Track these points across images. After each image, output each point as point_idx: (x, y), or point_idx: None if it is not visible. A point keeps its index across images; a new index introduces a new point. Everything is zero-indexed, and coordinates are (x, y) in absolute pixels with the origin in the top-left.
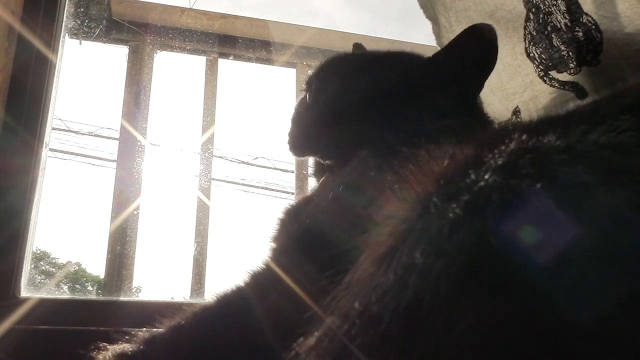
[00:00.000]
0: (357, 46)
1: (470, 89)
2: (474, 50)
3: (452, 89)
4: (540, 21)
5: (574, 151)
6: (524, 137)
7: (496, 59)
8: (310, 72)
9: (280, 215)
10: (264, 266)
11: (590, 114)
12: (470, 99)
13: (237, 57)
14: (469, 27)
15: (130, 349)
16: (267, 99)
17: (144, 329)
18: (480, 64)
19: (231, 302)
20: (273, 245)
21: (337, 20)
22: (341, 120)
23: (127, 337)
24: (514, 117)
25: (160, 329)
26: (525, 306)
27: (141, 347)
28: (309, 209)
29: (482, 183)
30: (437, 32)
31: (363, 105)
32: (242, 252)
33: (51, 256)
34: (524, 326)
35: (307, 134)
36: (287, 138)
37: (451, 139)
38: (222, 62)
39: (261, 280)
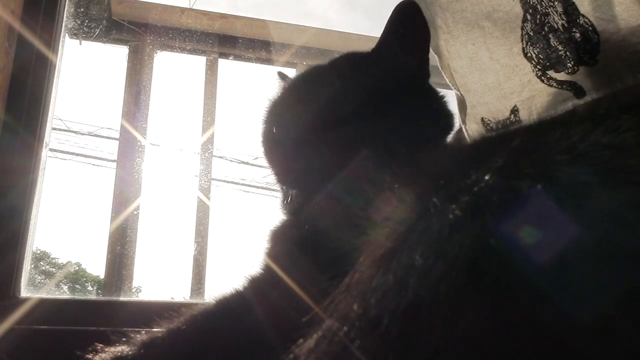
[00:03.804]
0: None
1: (418, 68)
2: (408, 29)
3: (403, 74)
4: (538, 22)
5: (575, 151)
6: (525, 137)
7: (429, 30)
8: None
9: (279, 218)
10: (263, 269)
11: (591, 114)
12: (423, 80)
13: (237, 57)
14: (394, 10)
15: (129, 352)
16: (267, 99)
17: (143, 330)
18: (417, 40)
19: (230, 305)
20: (272, 247)
21: (333, 20)
22: (314, 144)
23: (124, 338)
24: (512, 115)
25: (159, 332)
26: (526, 307)
27: (141, 350)
28: (309, 211)
29: (482, 184)
30: (434, 33)
31: (327, 122)
32: (242, 252)
33: (51, 256)
34: (524, 327)
35: (287, 168)
36: (271, 174)
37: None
38: (222, 62)
39: (260, 283)
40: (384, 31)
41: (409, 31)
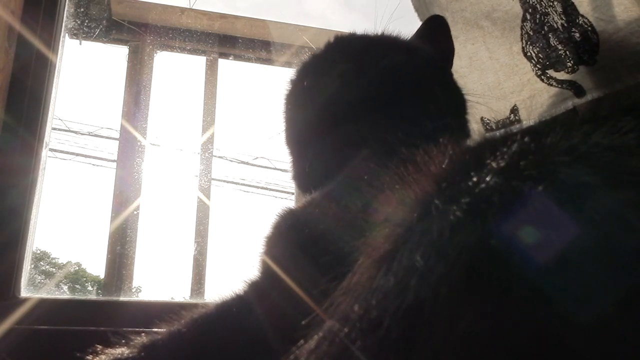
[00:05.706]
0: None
1: (448, 70)
2: (444, 38)
3: (439, 73)
4: (537, 21)
5: (576, 152)
6: (526, 138)
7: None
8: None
9: (277, 218)
10: (263, 271)
11: (592, 115)
12: (445, 75)
13: (237, 57)
14: (431, 19)
15: (129, 354)
16: (267, 99)
17: (143, 332)
18: (449, 48)
19: (230, 307)
20: (271, 249)
21: (332, 21)
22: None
23: (124, 340)
24: (512, 115)
25: (159, 335)
26: (526, 308)
27: (141, 353)
28: (308, 211)
29: (483, 185)
30: None
31: (355, 110)
32: (242, 252)
33: (51, 256)
34: (524, 327)
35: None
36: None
37: (451, 135)
38: (222, 62)
39: (260, 285)
40: (414, 34)
41: (437, 36)
